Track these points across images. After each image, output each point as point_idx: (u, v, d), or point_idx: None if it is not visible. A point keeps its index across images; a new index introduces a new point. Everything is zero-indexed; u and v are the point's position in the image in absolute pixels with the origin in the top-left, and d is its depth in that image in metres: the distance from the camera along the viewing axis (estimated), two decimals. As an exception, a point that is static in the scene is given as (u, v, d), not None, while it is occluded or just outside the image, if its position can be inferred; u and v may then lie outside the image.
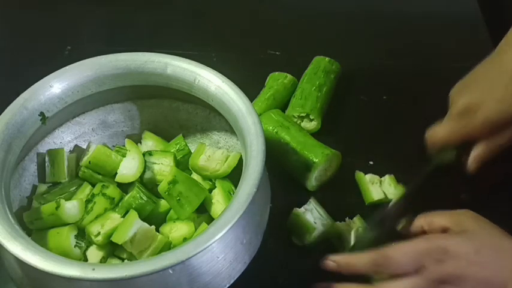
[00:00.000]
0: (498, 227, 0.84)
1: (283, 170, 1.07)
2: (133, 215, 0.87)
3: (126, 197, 0.92)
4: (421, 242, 0.84)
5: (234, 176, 0.88)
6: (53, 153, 0.98)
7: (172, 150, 1.00)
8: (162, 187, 0.91)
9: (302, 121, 1.14)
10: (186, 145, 1.00)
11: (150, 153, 0.98)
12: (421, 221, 0.88)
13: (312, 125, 1.14)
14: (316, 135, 1.13)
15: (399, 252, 0.83)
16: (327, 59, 1.21)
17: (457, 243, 0.82)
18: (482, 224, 0.85)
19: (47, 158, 0.98)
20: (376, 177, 1.06)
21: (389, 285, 0.83)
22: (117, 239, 0.85)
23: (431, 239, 0.85)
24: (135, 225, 0.85)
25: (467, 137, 0.94)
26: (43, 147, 0.99)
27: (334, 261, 0.87)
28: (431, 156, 0.97)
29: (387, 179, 1.05)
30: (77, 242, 0.89)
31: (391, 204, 0.98)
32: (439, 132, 0.96)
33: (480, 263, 0.80)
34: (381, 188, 1.04)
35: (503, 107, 0.92)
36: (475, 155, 0.95)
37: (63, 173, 0.97)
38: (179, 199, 0.91)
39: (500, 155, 0.96)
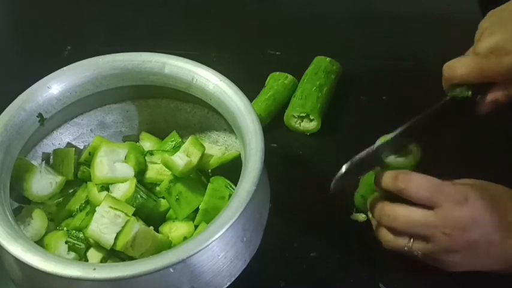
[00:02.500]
0: None
1: (283, 168, 1.06)
2: (132, 221, 0.86)
3: (126, 197, 0.91)
4: (445, 183, 0.86)
5: (234, 175, 0.88)
6: (61, 153, 0.98)
7: (168, 148, 0.99)
8: (163, 185, 0.92)
9: (302, 121, 1.14)
10: (182, 141, 0.99)
11: (151, 152, 0.98)
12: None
13: (312, 125, 1.13)
14: (316, 135, 1.13)
15: (422, 179, 0.86)
16: (327, 59, 1.21)
17: (477, 192, 0.84)
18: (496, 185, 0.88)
19: (51, 158, 0.98)
20: None
21: (402, 208, 0.86)
22: (119, 245, 0.84)
23: (455, 183, 0.87)
24: (134, 228, 0.84)
25: (488, 79, 0.90)
26: (41, 148, 0.98)
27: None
28: (445, 90, 0.94)
29: None
30: (76, 244, 0.89)
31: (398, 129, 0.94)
32: (460, 68, 0.91)
33: (494, 211, 0.83)
34: None
35: None
36: (492, 98, 0.92)
37: (71, 173, 0.96)
38: (178, 198, 0.91)
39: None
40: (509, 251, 0.83)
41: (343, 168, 0.89)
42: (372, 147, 0.92)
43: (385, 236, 0.89)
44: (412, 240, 0.86)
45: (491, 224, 0.83)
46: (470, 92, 0.91)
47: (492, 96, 0.91)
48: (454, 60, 0.92)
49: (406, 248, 0.87)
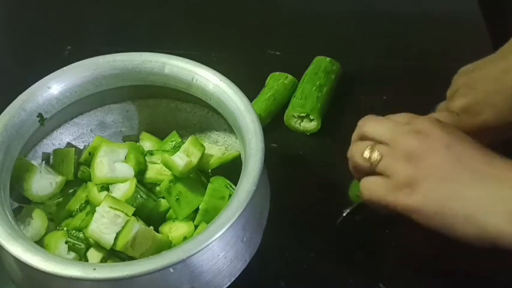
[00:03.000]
0: None
1: (283, 168, 1.06)
2: (132, 221, 0.86)
3: (126, 197, 0.91)
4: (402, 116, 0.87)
5: (234, 175, 0.88)
6: (61, 153, 0.98)
7: (168, 148, 0.99)
8: (163, 185, 0.91)
9: (302, 121, 1.14)
10: (182, 142, 0.99)
11: (151, 152, 0.98)
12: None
13: (312, 125, 1.13)
14: (316, 135, 1.13)
15: (376, 119, 0.88)
16: (328, 59, 1.21)
17: (433, 126, 0.81)
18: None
19: (51, 158, 0.98)
20: None
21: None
22: (119, 245, 0.84)
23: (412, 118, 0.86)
24: (134, 228, 0.84)
25: None
26: (41, 148, 0.98)
27: None
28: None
29: None
30: (76, 244, 0.89)
31: None
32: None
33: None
34: None
35: (501, 118, 0.92)
36: None
37: (71, 173, 0.96)
38: (178, 198, 0.91)
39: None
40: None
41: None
42: None
43: (352, 150, 0.88)
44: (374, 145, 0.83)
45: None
46: None
47: None
48: (432, 114, 0.96)
49: (366, 154, 0.83)
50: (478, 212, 0.73)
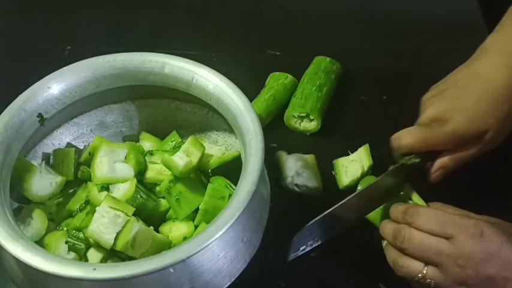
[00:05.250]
0: None
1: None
2: (132, 221, 0.86)
3: (126, 197, 0.91)
4: (456, 215, 0.86)
5: (234, 175, 0.88)
6: (61, 153, 0.98)
7: (168, 148, 0.99)
8: (163, 185, 0.92)
9: (302, 121, 1.14)
10: (182, 142, 0.99)
11: (151, 152, 0.98)
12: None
13: (312, 125, 1.13)
14: (316, 135, 1.13)
15: (431, 212, 0.86)
16: (327, 59, 1.21)
17: (492, 226, 0.83)
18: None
19: (51, 158, 0.98)
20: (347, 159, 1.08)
21: (420, 232, 0.85)
22: (119, 246, 0.84)
23: (466, 216, 0.86)
24: (134, 228, 0.84)
25: (433, 147, 0.95)
26: (41, 148, 0.98)
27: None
28: (395, 158, 0.97)
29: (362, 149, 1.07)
30: (76, 244, 0.89)
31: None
32: (404, 138, 0.95)
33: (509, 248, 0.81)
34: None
35: (471, 123, 0.93)
36: (438, 166, 0.96)
37: (71, 173, 0.96)
38: (178, 198, 0.91)
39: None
40: None
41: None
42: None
43: (399, 260, 0.87)
44: (426, 267, 0.84)
45: (508, 261, 0.81)
46: (418, 160, 0.95)
47: (440, 163, 0.96)
48: (401, 131, 0.96)
49: (420, 275, 0.85)
50: None
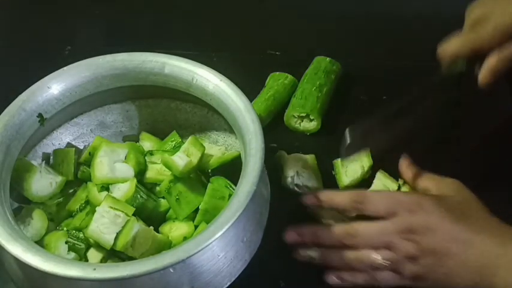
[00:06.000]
0: (483, 206, 0.89)
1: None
2: (132, 221, 0.86)
3: (126, 197, 0.91)
4: (400, 193, 0.94)
5: (234, 175, 0.88)
6: (61, 153, 0.98)
7: (168, 148, 0.99)
8: (163, 185, 0.92)
9: (302, 121, 1.14)
10: (182, 142, 0.99)
11: (151, 152, 0.98)
12: (408, 175, 0.98)
13: (312, 125, 1.13)
14: (316, 135, 1.13)
15: (377, 195, 0.91)
16: (327, 59, 1.21)
17: (431, 201, 0.88)
18: (465, 195, 0.91)
19: (51, 158, 0.98)
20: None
21: (362, 224, 0.89)
22: (119, 246, 0.84)
23: (410, 193, 0.95)
24: (134, 228, 0.84)
25: (478, 48, 0.94)
26: (41, 148, 0.98)
27: (315, 195, 0.94)
28: (443, 69, 0.97)
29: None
30: (76, 244, 0.89)
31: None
32: (449, 45, 0.96)
33: (450, 221, 0.85)
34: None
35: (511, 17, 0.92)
36: (487, 66, 0.94)
37: (71, 173, 0.97)
38: (178, 198, 0.91)
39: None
40: (471, 264, 0.83)
41: (347, 138, 0.93)
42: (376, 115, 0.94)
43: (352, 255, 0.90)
44: (377, 253, 0.88)
45: (448, 234, 0.85)
46: (464, 67, 0.95)
47: (488, 64, 0.94)
48: (448, 40, 0.97)
49: (377, 261, 0.88)
50: (485, 268, 0.82)
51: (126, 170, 0.93)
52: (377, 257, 0.88)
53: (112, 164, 0.93)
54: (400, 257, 0.86)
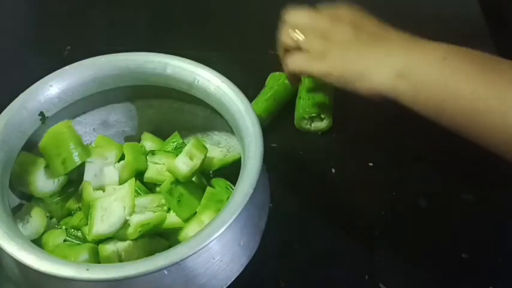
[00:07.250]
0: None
1: (283, 168, 1.07)
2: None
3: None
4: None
5: (235, 175, 0.88)
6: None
7: (169, 149, 1.00)
8: (164, 186, 0.92)
9: (313, 121, 1.14)
10: (184, 143, 1.00)
11: (152, 152, 0.98)
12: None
13: (323, 123, 1.14)
14: (316, 135, 1.13)
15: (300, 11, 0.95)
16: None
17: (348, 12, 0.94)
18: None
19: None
20: None
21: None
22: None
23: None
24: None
25: None
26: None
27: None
28: None
29: None
30: (74, 242, 0.90)
31: None
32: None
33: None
34: None
35: None
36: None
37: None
38: (179, 200, 0.91)
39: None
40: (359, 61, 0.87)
41: None
42: None
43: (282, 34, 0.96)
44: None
45: (369, 27, 0.92)
46: None
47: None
48: None
49: (293, 35, 0.92)
50: (369, 68, 0.85)
51: (113, 175, 0.94)
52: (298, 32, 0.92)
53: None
54: (316, 33, 0.91)
